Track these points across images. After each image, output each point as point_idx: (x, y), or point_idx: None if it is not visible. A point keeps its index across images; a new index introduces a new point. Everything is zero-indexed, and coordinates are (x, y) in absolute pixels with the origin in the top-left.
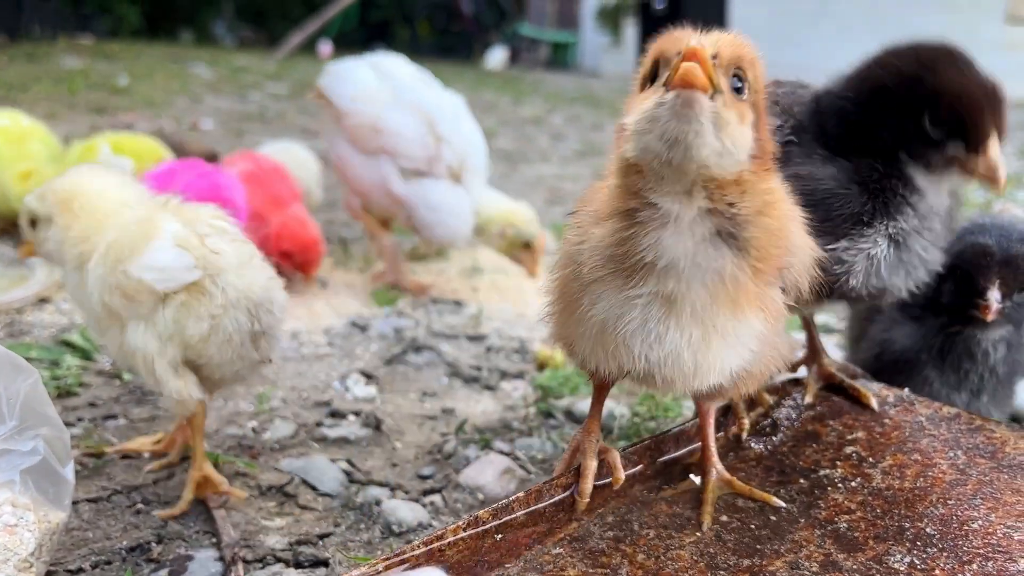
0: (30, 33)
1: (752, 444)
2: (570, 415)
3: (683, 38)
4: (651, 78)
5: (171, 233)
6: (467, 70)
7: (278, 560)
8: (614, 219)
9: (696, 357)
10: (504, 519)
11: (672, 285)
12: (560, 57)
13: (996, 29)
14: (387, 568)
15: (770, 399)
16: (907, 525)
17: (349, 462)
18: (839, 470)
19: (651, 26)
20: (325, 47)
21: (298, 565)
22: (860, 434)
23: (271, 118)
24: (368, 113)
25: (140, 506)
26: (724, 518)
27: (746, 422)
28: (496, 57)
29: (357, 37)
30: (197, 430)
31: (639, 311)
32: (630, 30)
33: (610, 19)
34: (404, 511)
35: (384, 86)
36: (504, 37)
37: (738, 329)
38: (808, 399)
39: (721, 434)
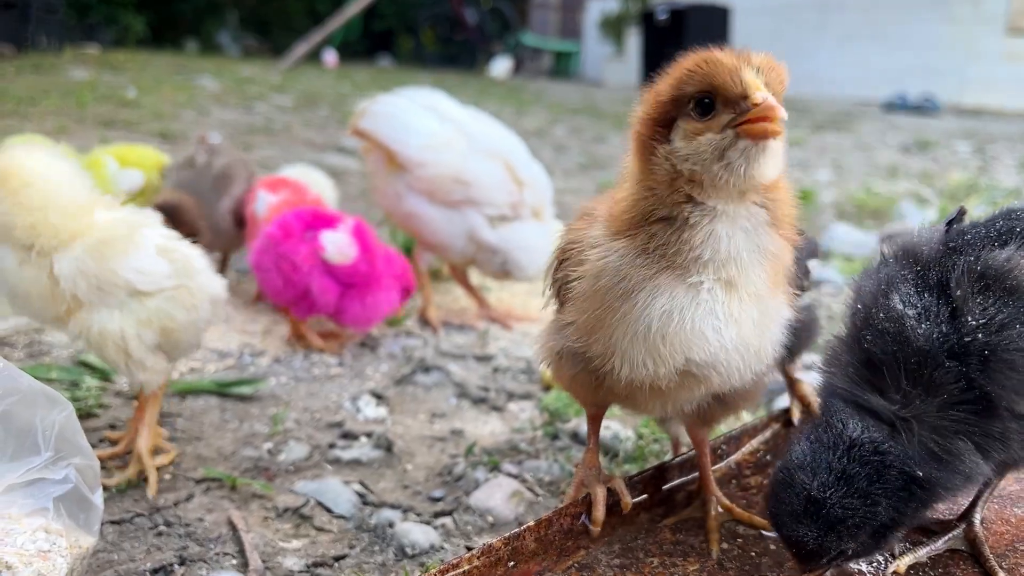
0: (36, 44)
1: (752, 472)
2: (576, 437)
3: (741, 72)
4: (697, 101)
5: (154, 243)
6: (471, 79)
7: None
8: (653, 225)
9: (756, 337)
10: (515, 546)
11: (733, 271)
12: (563, 66)
13: (997, 40)
14: None
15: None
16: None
17: (362, 484)
18: None
19: (654, 37)
20: (330, 57)
21: None
22: None
23: (277, 131)
24: (448, 163)
25: (162, 528)
26: (725, 545)
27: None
28: (500, 66)
29: (361, 47)
30: (155, 402)
31: (705, 295)
32: (632, 40)
33: (613, 29)
34: (417, 533)
35: (449, 129)
36: (507, 46)
37: (777, 309)
38: (795, 418)
39: (724, 463)
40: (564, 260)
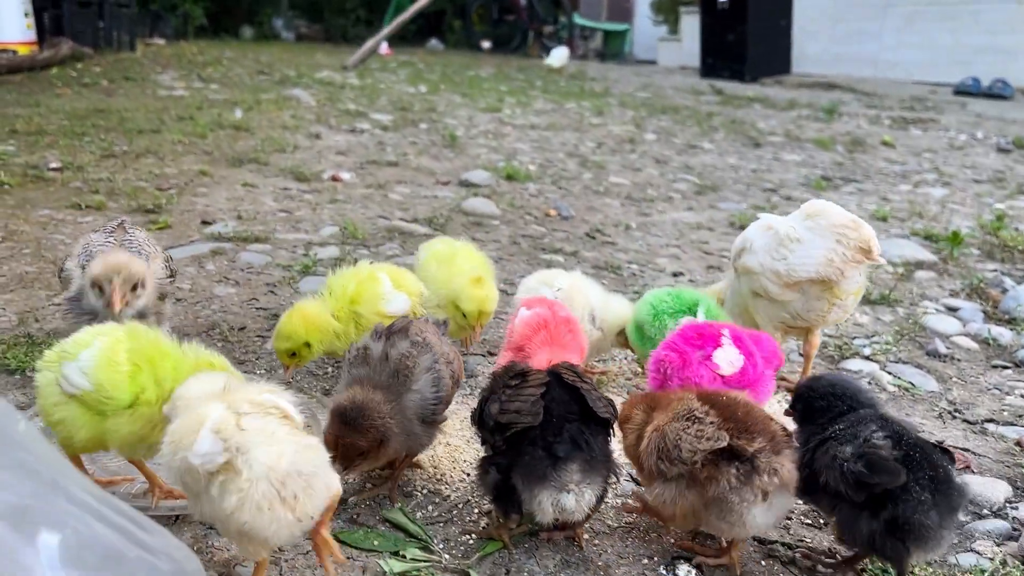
0: (109, 40)
1: None
2: None
3: None
4: None
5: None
6: (529, 69)
7: None
8: None
9: None
10: None
11: None
12: (614, 47)
13: None
14: None
15: None
16: None
17: None
18: None
19: (714, 20)
20: (384, 45)
21: None
22: None
23: (398, 161)
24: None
25: None
26: None
27: None
28: (558, 55)
29: (412, 27)
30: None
31: None
32: (687, 20)
33: (667, 9)
34: None
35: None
36: (560, 28)
37: None
38: None
39: None
40: None
